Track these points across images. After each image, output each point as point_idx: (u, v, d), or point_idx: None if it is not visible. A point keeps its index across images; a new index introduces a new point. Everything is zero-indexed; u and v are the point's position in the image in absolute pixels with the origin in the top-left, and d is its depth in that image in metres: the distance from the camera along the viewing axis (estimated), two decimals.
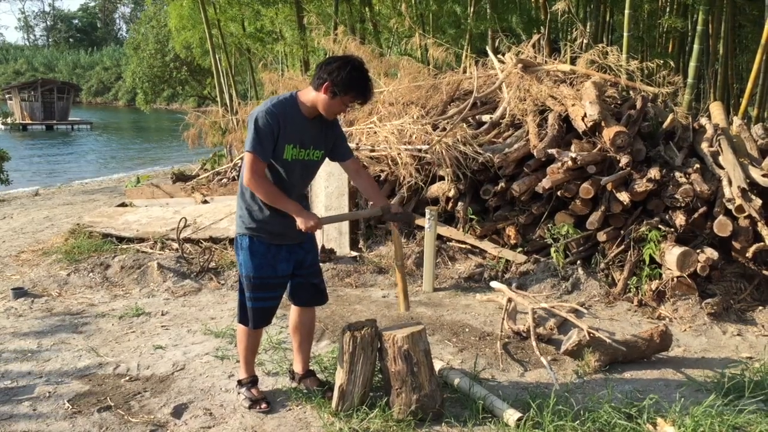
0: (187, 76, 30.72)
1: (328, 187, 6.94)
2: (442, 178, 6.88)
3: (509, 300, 5.20)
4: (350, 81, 3.36)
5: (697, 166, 6.20)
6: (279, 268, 3.65)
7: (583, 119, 6.59)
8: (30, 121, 39.42)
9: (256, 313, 3.70)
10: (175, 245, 6.96)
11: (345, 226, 6.82)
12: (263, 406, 3.74)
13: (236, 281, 6.03)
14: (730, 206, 5.72)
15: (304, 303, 3.92)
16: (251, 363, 3.91)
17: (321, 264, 6.43)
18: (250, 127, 3.42)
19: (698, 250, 5.65)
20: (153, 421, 3.63)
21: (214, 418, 3.68)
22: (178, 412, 3.75)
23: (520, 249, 6.53)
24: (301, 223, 3.42)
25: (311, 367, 4.09)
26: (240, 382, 3.89)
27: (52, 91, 40.91)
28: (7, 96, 42.37)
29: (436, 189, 6.94)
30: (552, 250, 6.23)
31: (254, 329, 3.77)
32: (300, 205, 3.53)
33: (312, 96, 3.46)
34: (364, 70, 3.44)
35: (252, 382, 3.88)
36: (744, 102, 9.88)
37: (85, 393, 3.98)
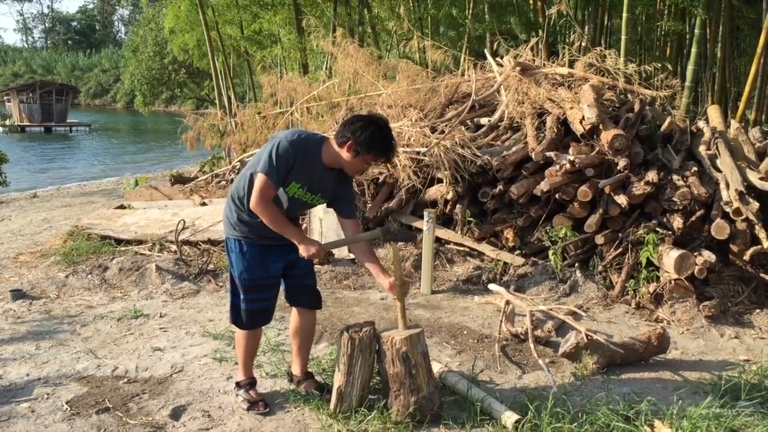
0: (186, 78, 30.69)
1: None
2: (440, 181, 6.89)
3: (507, 302, 5.21)
4: (373, 141, 3.42)
5: (695, 169, 6.22)
6: (271, 269, 3.67)
7: (581, 122, 6.60)
8: (28, 123, 39.35)
9: (249, 315, 3.72)
10: (174, 247, 6.96)
11: None
12: (262, 407, 3.75)
13: None
14: (727, 209, 5.74)
15: (302, 304, 3.92)
16: (249, 365, 3.92)
17: (319, 266, 6.47)
18: (267, 147, 3.42)
19: (696, 253, 5.67)
20: (151, 423, 3.63)
21: (213, 419, 3.68)
22: (176, 414, 3.75)
23: (518, 251, 6.53)
24: (303, 250, 3.48)
25: (310, 370, 4.10)
26: (238, 384, 3.90)
27: (50, 93, 40.82)
28: (5, 98, 42.34)
29: (434, 191, 6.95)
30: (550, 252, 6.24)
31: (249, 330, 3.79)
32: (302, 233, 3.57)
33: (335, 150, 3.49)
34: (387, 129, 3.49)
35: (250, 383, 3.88)
36: (742, 105, 9.90)
37: (83, 395, 3.97)
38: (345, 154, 3.45)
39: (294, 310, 3.96)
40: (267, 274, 3.66)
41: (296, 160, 3.41)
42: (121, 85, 59.39)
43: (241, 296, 3.68)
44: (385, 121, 3.55)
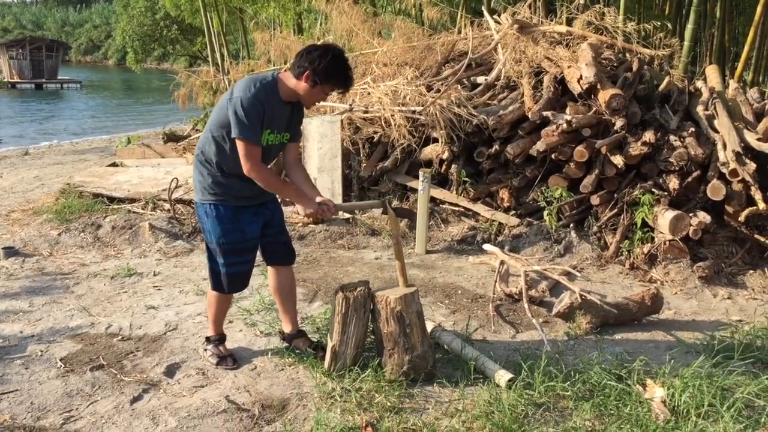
0: (178, 35, 30.33)
1: (321, 149, 6.88)
2: (435, 140, 6.83)
3: (502, 262, 5.20)
4: (331, 70, 3.36)
5: (692, 129, 6.18)
6: (247, 231, 3.64)
7: (578, 81, 6.53)
8: (18, 80, 38.88)
9: (231, 279, 3.70)
10: (167, 206, 6.92)
11: (338, 187, 6.79)
12: (230, 363, 3.80)
13: None
14: (724, 170, 5.71)
15: (277, 261, 3.92)
16: (220, 323, 3.95)
17: (314, 225, 6.45)
18: (231, 111, 3.32)
19: (691, 214, 5.66)
20: (146, 380, 3.64)
21: (207, 377, 3.69)
22: (170, 371, 3.76)
23: (513, 212, 6.52)
24: (301, 209, 3.48)
25: (303, 328, 4.10)
26: (208, 339, 3.93)
27: (40, 49, 40.24)
28: None
29: (429, 151, 6.90)
30: (545, 213, 6.22)
31: (229, 294, 3.80)
32: (300, 191, 3.53)
33: (293, 83, 3.43)
34: (344, 58, 3.45)
35: (220, 339, 3.93)
36: (740, 65, 9.85)
37: (77, 352, 3.98)
38: (303, 85, 3.39)
39: (270, 269, 3.96)
40: (244, 237, 3.63)
41: (264, 109, 3.36)
42: (112, 42, 58.64)
43: (221, 261, 3.65)
44: (341, 50, 3.50)
